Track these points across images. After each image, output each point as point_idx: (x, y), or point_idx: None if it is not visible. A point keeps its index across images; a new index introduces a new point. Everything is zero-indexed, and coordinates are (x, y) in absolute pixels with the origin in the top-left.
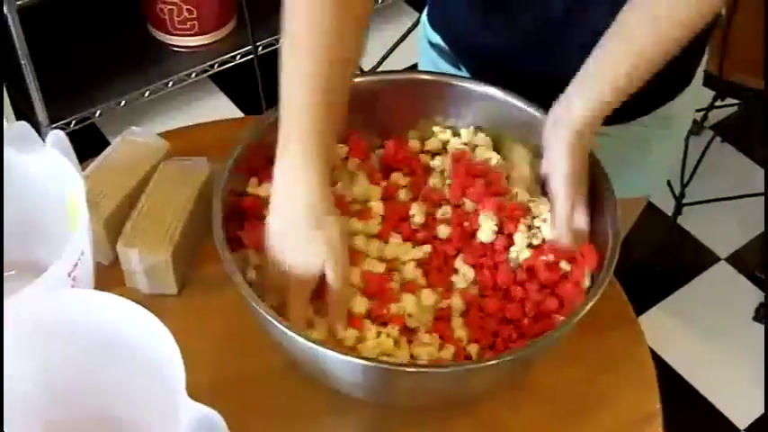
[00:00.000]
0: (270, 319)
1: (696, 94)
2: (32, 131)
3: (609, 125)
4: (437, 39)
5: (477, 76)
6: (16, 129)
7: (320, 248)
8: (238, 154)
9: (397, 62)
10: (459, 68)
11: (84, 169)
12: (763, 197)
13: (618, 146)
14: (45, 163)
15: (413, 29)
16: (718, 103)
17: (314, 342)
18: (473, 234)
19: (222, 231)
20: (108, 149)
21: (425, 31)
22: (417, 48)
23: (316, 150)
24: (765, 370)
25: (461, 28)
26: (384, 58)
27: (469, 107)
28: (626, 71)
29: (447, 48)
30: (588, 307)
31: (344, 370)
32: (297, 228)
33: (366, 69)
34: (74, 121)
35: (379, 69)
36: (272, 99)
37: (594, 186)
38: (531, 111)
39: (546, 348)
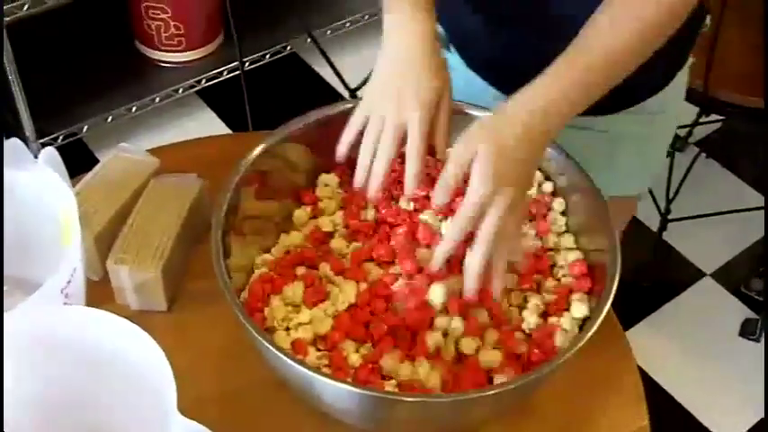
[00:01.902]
0: (261, 339)
1: (682, 90)
2: (24, 148)
3: (595, 116)
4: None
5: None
6: (8, 145)
7: (437, 81)
8: (240, 174)
9: None
10: (450, 50)
11: (73, 185)
12: (747, 213)
13: (604, 141)
14: (37, 179)
15: None
16: (702, 119)
17: (305, 366)
18: None
19: (219, 249)
20: (98, 166)
21: None
22: None
23: (422, 3)
24: (765, 383)
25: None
26: (371, 74)
27: None
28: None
29: (443, 31)
30: (588, 336)
31: (336, 396)
32: (413, 64)
33: (353, 87)
34: (61, 137)
35: None
36: (259, 115)
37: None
38: None
39: (545, 378)
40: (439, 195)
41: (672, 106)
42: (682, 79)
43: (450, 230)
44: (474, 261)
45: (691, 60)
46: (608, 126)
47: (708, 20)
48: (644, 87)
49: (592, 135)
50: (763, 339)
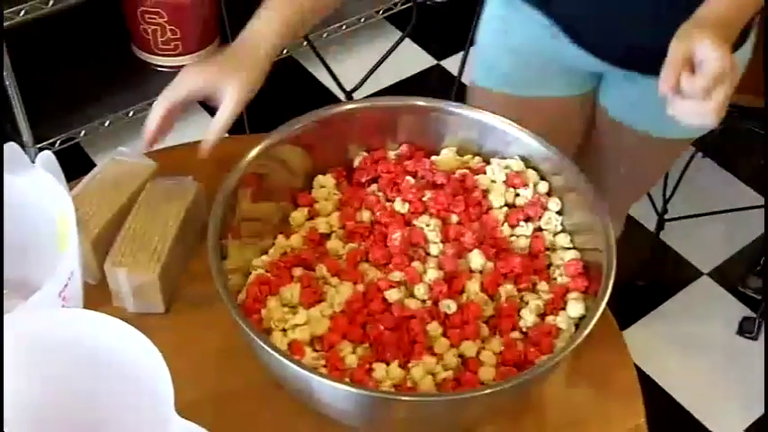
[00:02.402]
0: (258, 340)
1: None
2: (22, 152)
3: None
4: None
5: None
6: (6, 150)
7: (232, 78)
8: (237, 177)
9: (380, 81)
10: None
11: (70, 189)
12: (744, 211)
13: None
14: (35, 184)
15: (395, 48)
16: None
17: (302, 367)
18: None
19: (216, 251)
20: (96, 169)
21: None
22: (400, 67)
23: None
24: (765, 379)
25: None
26: (367, 76)
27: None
28: None
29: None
30: (584, 335)
31: (333, 396)
32: (229, 52)
33: (349, 89)
34: (58, 142)
35: (370, 94)
36: (256, 118)
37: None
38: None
39: (542, 377)
40: (669, 76)
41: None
42: (748, 46)
43: (692, 83)
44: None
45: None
46: None
47: None
48: None
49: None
50: (762, 336)
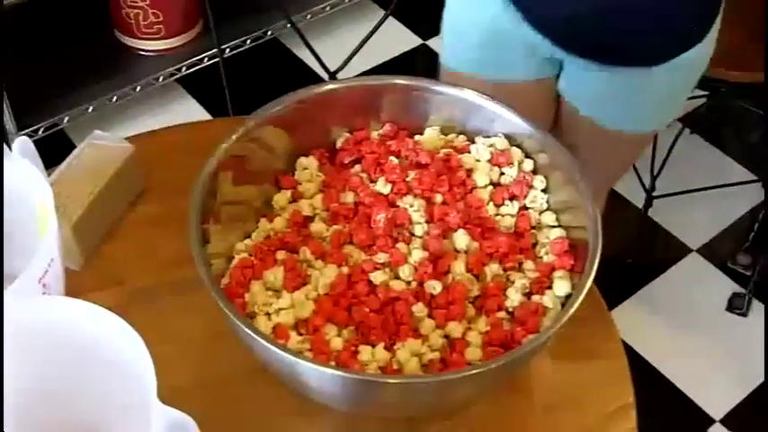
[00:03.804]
0: (241, 325)
1: (712, 46)
2: None
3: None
4: None
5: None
6: None
7: None
8: (217, 160)
9: (365, 60)
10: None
11: (48, 175)
12: (733, 187)
13: (627, 86)
14: (12, 170)
15: (378, 27)
16: None
17: (287, 351)
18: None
19: (198, 235)
20: (72, 154)
21: None
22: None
23: None
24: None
25: None
26: (351, 56)
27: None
28: None
29: None
30: (570, 313)
31: (319, 380)
32: None
33: (333, 69)
34: (42, 128)
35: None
36: (241, 101)
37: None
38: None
39: (529, 356)
40: None
41: (702, 60)
42: (713, 34)
43: None
44: None
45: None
46: (640, 77)
47: None
48: (681, 40)
49: (620, 81)
50: (752, 313)
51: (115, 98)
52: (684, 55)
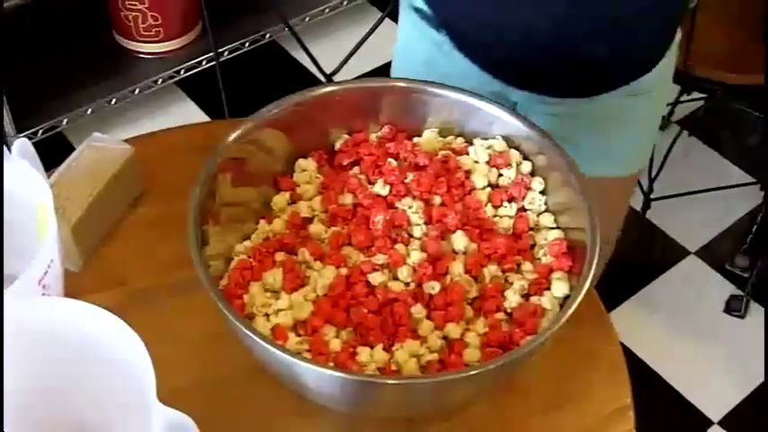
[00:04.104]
0: (240, 326)
1: (669, 72)
2: None
3: (579, 97)
4: (419, 3)
5: (460, 42)
6: None
7: None
8: (216, 162)
9: (362, 62)
10: (440, 31)
11: (48, 177)
12: (731, 190)
13: (585, 123)
14: (12, 172)
15: (374, 29)
16: (684, 97)
17: (285, 352)
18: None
19: (197, 237)
20: (72, 156)
21: None
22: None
23: None
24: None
25: None
26: (347, 58)
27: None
28: None
29: (430, 12)
30: (569, 314)
31: (317, 381)
32: None
33: (329, 71)
34: (41, 131)
35: (355, 77)
36: (239, 103)
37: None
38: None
39: (527, 357)
40: None
41: (659, 88)
42: (669, 60)
43: None
44: None
45: (678, 38)
46: (592, 111)
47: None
48: (630, 67)
49: (577, 121)
50: (749, 315)
51: (114, 100)
52: (642, 78)
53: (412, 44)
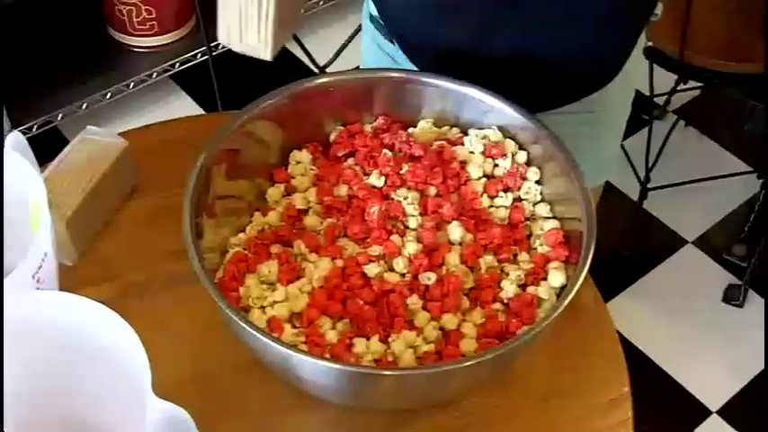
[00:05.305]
0: (236, 318)
1: (629, 84)
2: None
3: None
4: (374, 10)
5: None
6: None
7: None
8: (210, 154)
9: (356, 54)
10: (393, 43)
11: (44, 171)
12: (728, 179)
13: None
14: (5, 166)
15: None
16: (680, 86)
17: (281, 344)
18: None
19: (192, 229)
20: (66, 149)
21: (367, 5)
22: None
23: None
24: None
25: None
26: (340, 50)
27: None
28: None
29: (383, 22)
30: (565, 304)
31: (314, 373)
32: None
33: (322, 64)
34: (36, 126)
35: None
36: (234, 96)
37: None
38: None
39: (524, 347)
40: None
41: (618, 101)
42: (628, 74)
43: None
44: None
45: (644, 43)
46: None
47: (660, 8)
48: (587, 81)
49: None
50: (747, 304)
51: (109, 95)
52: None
53: (370, 56)
